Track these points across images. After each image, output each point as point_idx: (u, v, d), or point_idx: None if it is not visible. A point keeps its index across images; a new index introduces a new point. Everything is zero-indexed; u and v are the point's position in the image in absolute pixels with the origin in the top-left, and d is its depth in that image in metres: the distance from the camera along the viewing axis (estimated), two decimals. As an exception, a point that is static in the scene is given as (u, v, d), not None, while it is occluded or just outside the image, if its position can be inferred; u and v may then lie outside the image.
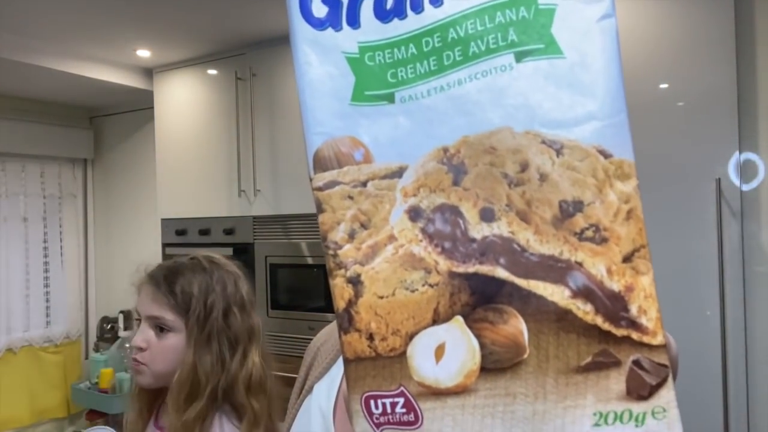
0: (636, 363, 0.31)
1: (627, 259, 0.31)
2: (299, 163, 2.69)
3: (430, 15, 0.34)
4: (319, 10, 0.35)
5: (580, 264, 0.31)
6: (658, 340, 0.30)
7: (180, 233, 3.05)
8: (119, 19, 2.53)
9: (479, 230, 0.33)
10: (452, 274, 0.33)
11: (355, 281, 0.34)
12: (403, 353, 0.33)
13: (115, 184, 3.85)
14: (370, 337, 0.34)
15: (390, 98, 0.34)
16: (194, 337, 0.97)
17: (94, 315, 3.84)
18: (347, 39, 0.35)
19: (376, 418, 0.33)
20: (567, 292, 0.31)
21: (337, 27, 0.35)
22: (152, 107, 3.20)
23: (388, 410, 0.33)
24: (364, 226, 0.34)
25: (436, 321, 0.33)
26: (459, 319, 0.33)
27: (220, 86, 2.94)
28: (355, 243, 0.34)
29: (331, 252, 0.35)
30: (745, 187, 1.82)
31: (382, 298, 0.33)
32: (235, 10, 2.43)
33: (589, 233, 0.31)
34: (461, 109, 0.33)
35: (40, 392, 3.50)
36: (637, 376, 0.30)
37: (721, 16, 1.81)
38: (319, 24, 0.36)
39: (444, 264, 0.33)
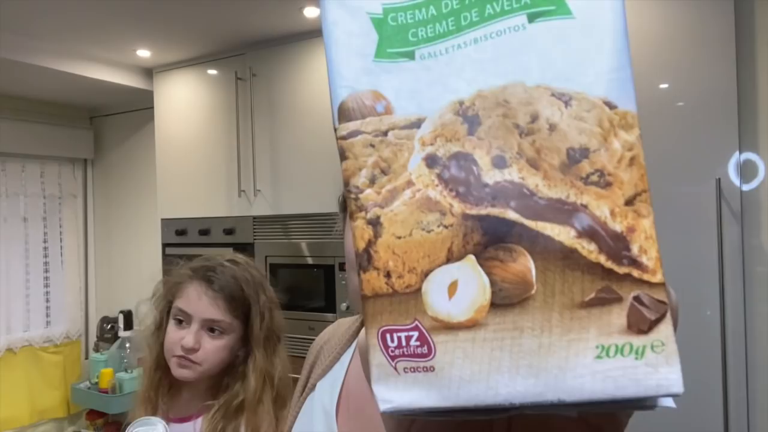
0: (636, 299, 0.32)
1: (629, 202, 0.33)
2: (299, 163, 2.69)
3: None
4: None
5: (585, 206, 0.33)
6: (657, 278, 0.32)
7: (180, 233, 3.05)
8: (119, 19, 2.53)
9: (491, 176, 0.35)
10: (465, 216, 0.35)
11: (375, 223, 0.36)
12: (418, 290, 0.35)
13: (115, 184, 3.85)
14: (388, 275, 0.36)
15: (410, 55, 0.37)
16: (260, 341, 1.09)
17: (94, 315, 3.84)
18: (372, 0, 0.37)
19: (392, 351, 0.35)
20: (573, 233, 0.33)
21: None
22: (152, 107, 3.20)
23: (403, 343, 0.35)
24: (384, 172, 0.36)
25: (449, 260, 0.35)
26: (471, 257, 0.35)
27: (220, 86, 2.94)
28: (376, 187, 0.36)
29: (353, 196, 0.36)
30: (745, 187, 1.82)
31: (399, 238, 0.36)
32: (235, 10, 2.43)
33: (594, 178, 0.33)
34: (477, 66, 0.36)
35: (40, 392, 3.50)
36: (638, 311, 0.32)
37: (721, 16, 1.81)
38: None
39: (458, 206, 0.35)
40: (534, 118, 0.35)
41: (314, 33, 2.64)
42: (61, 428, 3.66)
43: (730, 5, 1.80)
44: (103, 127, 3.91)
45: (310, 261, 2.66)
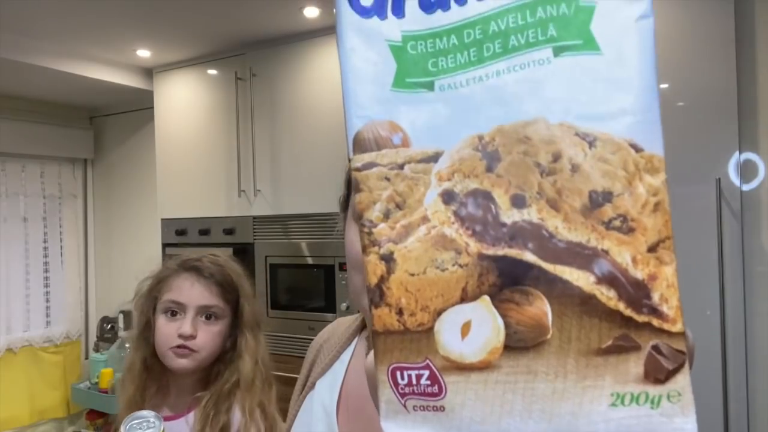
0: (655, 348, 0.32)
1: (652, 249, 0.32)
2: (299, 163, 2.69)
3: (473, 8, 0.35)
4: None
5: (606, 252, 0.32)
6: (677, 327, 0.31)
7: (180, 233, 3.05)
8: (119, 19, 2.53)
9: (510, 215, 0.34)
10: (482, 256, 0.34)
11: (388, 258, 0.35)
12: (431, 328, 0.35)
13: (115, 184, 3.85)
14: (400, 312, 0.35)
15: (430, 86, 0.36)
16: (250, 325, 1.12)
17: (94, 315, 3.84)
18: (391, 28, 0.36)
19: (402, 389, 0.35)
20: (592, 278, 0.32)
21: (382, 16, 0.36)
22: (152, 107, 3.20)
23: (414, 381, 0.35)
24: (399, 206, 0.36)
25: (464, 299, 0.34)
26: (486, 298, 0.34)
27: (220, 86, 2.94)
28: (390, 222, 0.36)
29: (366, 230, 0.36)
30: (745, 187, 1.82)
31: (413, 275, 0.35)
32: (235, 10, 2.43)
33: (617, 223, 0.32)
34: (498, 100, 0.35)
35: (40, 392, 3.50)
36: (655, 361, 0.31)
37: (721, 16, 1.81)
38: (365, 12, 0.36)
39: (474, 246, 0.34)
40: (556, 157, 0.34)
41: (314, 33, 2.64)
42: (61, 428, 3.66)
43: (730, 5, 1.80)
44: (103, 127, 3.91)
45: (310, 261, 2.66)
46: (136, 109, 3.62)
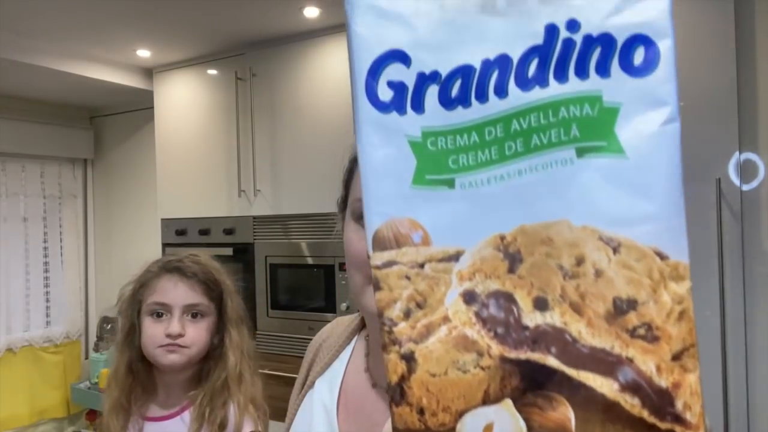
0: None
1: (676, 357, 0.32)
2: (299, 163, 2.69)
3: (495, 105, 0.35)
4: (385, 94, 0.36)
5: (630, 360, 0.32)
6: None
7: (180, 233, 3.05)
8: (119, 19, 2.53)
9: (532, 318, 0.34)
10: (504, 359, 0.34)
11: (409, 358, 0.35)
12: (453, 429, 0.35)
13: (115, 184, 3.85)
14: (421, 411, 0.35)
15: (450, 183, 0.35)
16: (234, 319, 1.14)
17: (94, 315, 3.84)
18: (411, 123, 0.36)
19: None
20: (616, 386, 0.33)
21: (401, 111, 0.36)
22: (152, 107, 3.20)
23: None
24: (419, 305, 0.35)
25: (486, 402, 0.34)
26: (508, 401, 0.34)
27: (220, 86, 2.94)
28: (410, 321, 0.35)
29: (386, 328, 0.36)
30: (745, 187, 1.82)
31: (434, 376, 0.35)
32: (235, 10, 2.43)
33: (641, 331, 0.32)
34: (520, 199, 0.34)
35: (40, 392, 3.50)
36: None
37: (721, 16, 1.81)
38: (383, 107, 0.36)
39: (496, 348, 0.34)
40: (579, 261, 0.33)
41: (314, 33, 2.64)
42: (61, 428, 3.66)
43: (730, 5, 1.80)
44: (103, 127, 3.91)
45: (310, 261, 2.66)
46: (136, 109, 3.62)
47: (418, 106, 0.36)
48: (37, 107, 3.58)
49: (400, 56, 0.36)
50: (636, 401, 0.32)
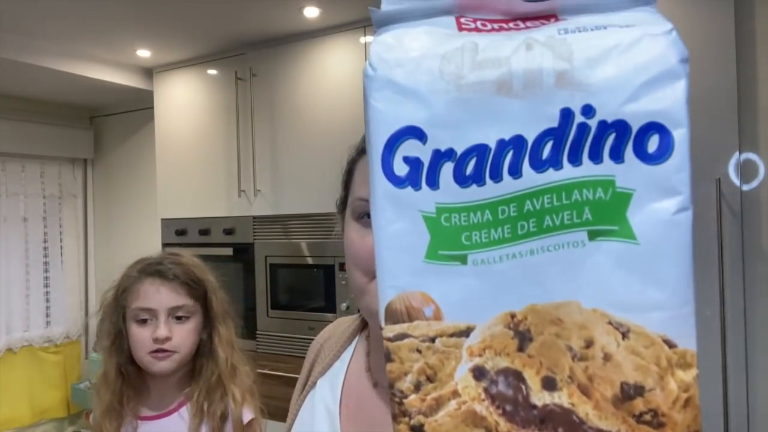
0: None
1: None
2: (299, 163, 2.69)
3: (508, 185, 0.35)
4: (401, 169, 0.36)
5: None
6: None
7: (180, 233, 3.05)
8: (119, 19, 2.53)
9: (540, 397, 0.34)
10: None
11: (418, 430, 0.36)
12: None
13: (115, 184, 3.85)
14: None
15: (463, 260, 0.36)
16: (217, 316, 1.13)
17: (94, 315, 3.84)
18: (425, 199, 0.36)
19: None
20: None
21: (416, 186, 0.36)
22: (152, 107, 3.20)
23: None
24: (429, 379, 0.36)
25: None
26: None
27: (220, 86, 2.94)
28: (420, 394, 0.36)
29: (396, 399, 0.36)
30: (745, 187, 1.82)
31: None
32: (235, 10, 2.43)
33: (647, 417, 0.33)
34: (531, 278, 0.35)
35: (40, 392, 3.50)
36: None
37: (721, 16, 1.81)
38: (399, 182, 0.37)
39: (504, 426, 0.35)
40: (588, 343, 0.34)
41: (314, 33, 2.64)
42: (61, 428, 3.66)
43: (730, 5, 1.80)
44: (103, 127, 3.91)
45: (310, 261, 2.66)
46: (136, 109, 3.62)
47: (433, 182, 0.36)
48: (37, 107, 3.58)
49: (417, 133, 0.36)
50: None
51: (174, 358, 1.09)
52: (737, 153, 1.80)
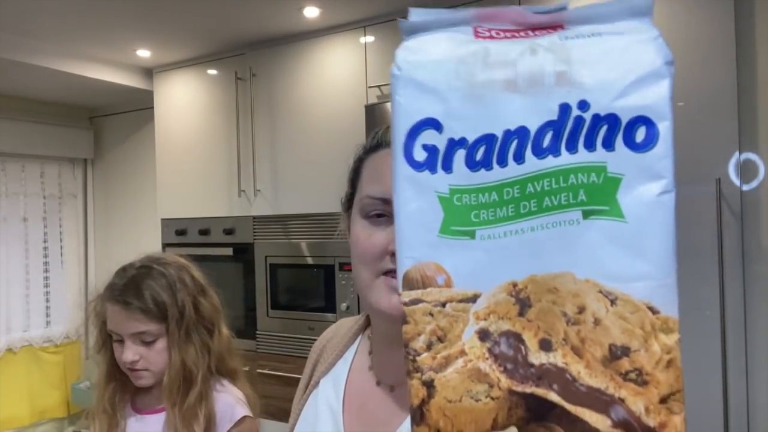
0: None
1: (663, 400, 0.37)
2: (299, 163, 2.69)
3: (513, 169, 0.40)
4: (420, 155, 0.42)
5: (622, 400, 0.37)
6: None
7: (180, 233, 3.05)
8: (119, 19, 2.53)
9: (537, 357, 0.38)
10: (511, 392, 0.38)
11: (429, 385, 0.40)
12: None
13: (115, 184, 3.85)
14: None
15: (471, 235, 0.40)
16: (176, 338, 1.10)
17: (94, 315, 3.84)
18: (440, 181, 0.41)
19: None
20: (608, 422, 0.37)
21: (433, 170, 0.41)
22: (152, 107, 3.20)
23: None
24: (440, 339, 0.40)
25: (494, 428, 0.39)
26: (514, 429, 0.38)
27: (220, 86, 2.94)
28: (432, 353, 0.40)
29: (410, 357, 0.41)
30: (745, 187, 1.82)
31: (450, 402, 0.39)
32: (235, 10, 2.43)
33: (633, 375, 0.37)
34: (532, 252, 0.39)
35: (40, 392, 3.50)
36: None
37: (721, 16, 1.81)
38: (418, 166, 0.42)
39: (505, 382, 0.39)
40: (581, 309, 0.38)
41: (314, 33, 2.64)
42: (61, 428, 3.66)
43: (730, 5, 1.80)
44: (103, 127, 3.91)
45: (310, 261, 2.66)
46: (136, 109, 3.62)
47: (448, 167, 0.41)
48: (37, 107, 3.58)
49: (434, 124, 0.41)
50: None
51: (150, 375, 1.11)
52: (737, 153, 1.80)
